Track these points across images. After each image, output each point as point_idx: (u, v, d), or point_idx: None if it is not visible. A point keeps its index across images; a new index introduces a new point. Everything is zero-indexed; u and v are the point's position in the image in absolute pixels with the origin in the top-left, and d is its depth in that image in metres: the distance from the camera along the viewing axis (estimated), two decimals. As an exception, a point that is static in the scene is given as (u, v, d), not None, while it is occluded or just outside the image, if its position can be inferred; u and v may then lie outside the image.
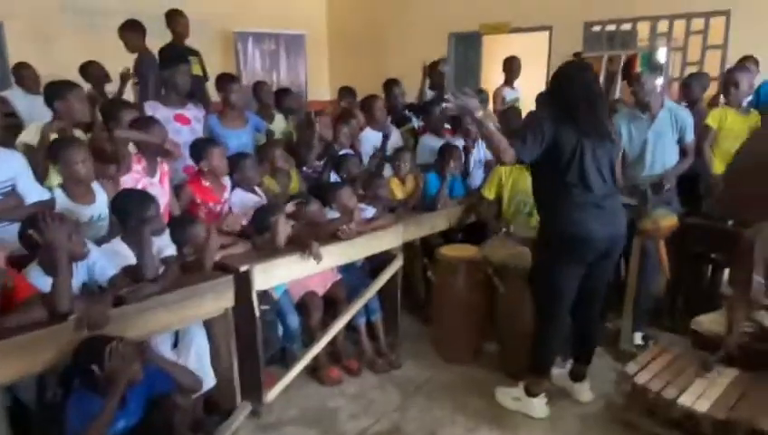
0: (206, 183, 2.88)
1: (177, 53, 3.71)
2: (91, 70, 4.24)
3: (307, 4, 7.83)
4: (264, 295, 2.65)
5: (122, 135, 2.61)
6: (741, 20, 4.83)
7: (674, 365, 2.55)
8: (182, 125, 3.25)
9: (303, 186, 3.48)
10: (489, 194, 3.51)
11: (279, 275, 2.58)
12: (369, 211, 3.23)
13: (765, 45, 4.41)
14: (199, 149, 2.90)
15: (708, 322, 2.71)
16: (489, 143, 2.32)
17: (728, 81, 3.52)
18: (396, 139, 3.97)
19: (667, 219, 2.93)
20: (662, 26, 5.28)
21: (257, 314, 2.49)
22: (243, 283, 2.41)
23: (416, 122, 4.24)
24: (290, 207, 2.75)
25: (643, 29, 5.39)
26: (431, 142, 3.87)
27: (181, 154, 2.89)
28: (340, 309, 3.00)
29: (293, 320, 2.85)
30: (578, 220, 2.33)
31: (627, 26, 5.46)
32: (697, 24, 5.09)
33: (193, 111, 3.34)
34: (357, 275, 3.21)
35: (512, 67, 5.26)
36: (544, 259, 2.46)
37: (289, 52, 7.17)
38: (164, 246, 2.29)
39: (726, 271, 3.78)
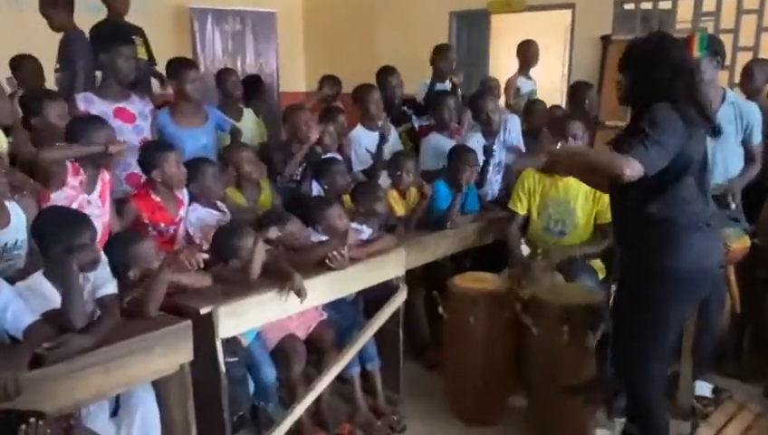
0: (157, 198, 2.66)
1: (116, 31, 3.51)
2: (27, 65, 3.97)
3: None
4: (230, 342, 2.42)
5: (51, 157, 2.40)
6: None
7: (756, 428, 2.39)
8: (124, 123, 3.05)
9: (277, 199, 3.29)
10: (520, 208, 3.36)
11: (251, 318, 2.37)
12: (365, 232, 3.03)
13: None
14: (150, 154, 2.68)
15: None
16: (591, 166, 2.18)
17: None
18: (394, 140, 3.79)
19: (738, 241, 2.79)
20: (708, 4, 5.19)
21: (222, 368, 2.27)
22: (204, 330, 2.19)
23: (416, 121, 4.06)
24: (273, 233, 2.53)
25: (685, 7, 5.30)
26: (440, 143, 3.70)
27: (127, 147, 2.68)
28: (328, 357, 2.80)
29: (269, 373, 2.65)
30: (705, 249, 2.15)
31: (665, 4, 5.37)
32: (750, 1, 5.00)
33: (138, 106, 3.15)
34: (347, 312, 3.02)
35: (528, 53, 5.17)
36: (651, 301, 2.20)
37: (257, 33, 6.99)
38: (101, 281, 2.06)
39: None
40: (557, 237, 3.30)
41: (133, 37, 3.65)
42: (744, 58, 4.62)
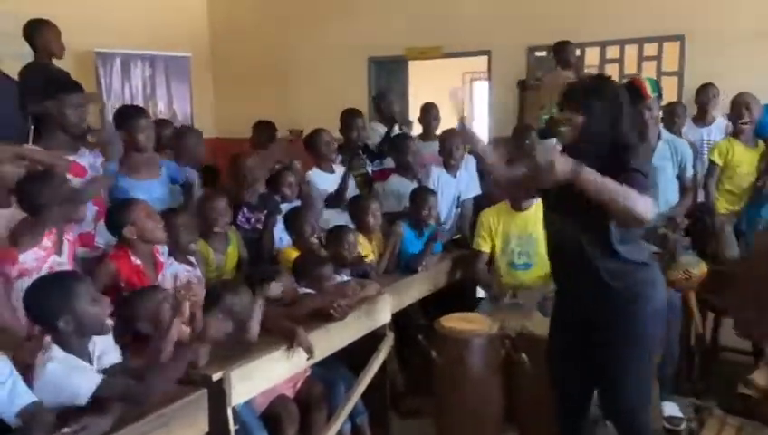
0: (137, 260, 2.42)
1: (54, 76, 3.23)
2: None
3: (188, 21, 7.45)
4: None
5: None
6: (697, 45, 5.38)
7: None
8: (75, 177, 2.75)
9: (244, 250, 3.14)
10: (485, 246, 3.43)
11: (261, 380, 2.23)
12: (344, 280, 2.95)
13: (725, 72, 4.90)
14: (117, 211, 2.47)
15: (762, 380, 2.75)
16: (615, 204, 1.89)
17: (738, 104, 3.77)
18: (352, 185, 3.78)
19: (699, 267, 3.01)
20: (612, 52, 5.73)
21: (233, 439, 2.10)
22: (215, 397, 2.01)
23: (370, 167, 4.07)
24: (275, 290, 2.39)
25: (592, 54, 5.81)
26: (400, 186, 3.72)
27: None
28: (317, 415, 2.67)
29: (262, 439, 2.47)
30: (663, 281, 2.27)
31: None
32: (650, 49, 5.58)
33: (88, 158, 2.90)
34: (331, 364, 2.89)
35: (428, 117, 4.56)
36: (645, 337, 2.23)
37: (169, 78, 6.71)
38: (104, 349, 1.84)
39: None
40: (523, 270, 3.41)
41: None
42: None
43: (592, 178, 1.88)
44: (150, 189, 3.06)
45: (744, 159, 3.68)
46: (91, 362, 1.80)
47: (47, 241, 2.21)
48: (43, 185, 2.24)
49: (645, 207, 1.87)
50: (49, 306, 1.75)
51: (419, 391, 3.35)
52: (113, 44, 6.29)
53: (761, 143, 3.75)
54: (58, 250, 2.27)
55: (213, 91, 7.80)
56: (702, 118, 4.75)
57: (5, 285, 2.14)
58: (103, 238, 2.75)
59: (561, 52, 5.30)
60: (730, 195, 3.75)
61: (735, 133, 3.84)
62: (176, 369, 1.89)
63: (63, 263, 2.26)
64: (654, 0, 5.47)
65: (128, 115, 3.13)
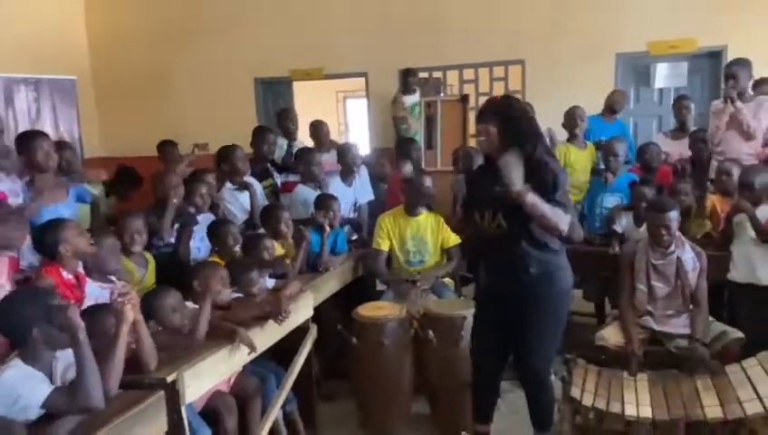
0: (69, 275, 2.28)
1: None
2: None
3: (69, 42, 6.88)
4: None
5: None
6: (534, 68, 5.96)
7: (601, 380, 2.90)
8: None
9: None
10: (384, 246, 3.58)
11: (209, 377, 2.20)
12: (269, 281, 2.97)
13: (556, 88, 5.51)
14: (48, 232, 2.31)
15: (610, 335, 3.16)
16: (546, 222, 2.26)
17: (572, 116, 4.27)
18: (261, 195, 3.77)
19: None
20: (468, 74, 6.18)
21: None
22: (170, 398, 1.97)
23: (278, 178, 4.08)
24: (226, 296, 2.36)
25: (452, 75, 6.23)
26: (307, 194, 3.77)
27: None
28: (253, 406, 2.66)
29: (205, 434, 2.42)
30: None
31: (438, 73, 6.24)
32: (498, 71, 6.10)
33: (6, 183, 2.72)
34: (260, 360, 2.87)
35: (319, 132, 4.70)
36: (561, 311, 2.51)
37: (55, 101, 6.17)
38: (67, 365, 1.75)
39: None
40: (417, 266, 3.61)
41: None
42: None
43: (532, 201, 2.20)
44: (58, 211, 2.86)
45: (578, 159, 4.18)
46: (52, 379, 1.70)
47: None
48: None
49: (565, 224, 2.25)
50: (22, 318, 1.65)
51: (335, 376, 3.46)
52: (-7, 67, 5.68)
53: (589, 144, 4.27)
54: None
55: (97, 112, 7.26)
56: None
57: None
58: (27, 261, 2.56)
59: (404, 77, 5.84)
60: (573, 187, 4.14)
61: (569, 139, 4.32)
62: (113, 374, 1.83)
63: (3, 285, 2.09)
64: (500, 31, 5.96)
65: (26, 139, 2.95)
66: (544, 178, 2.27)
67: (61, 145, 3.65)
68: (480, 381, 2.65)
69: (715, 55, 5.57)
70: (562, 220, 2.25)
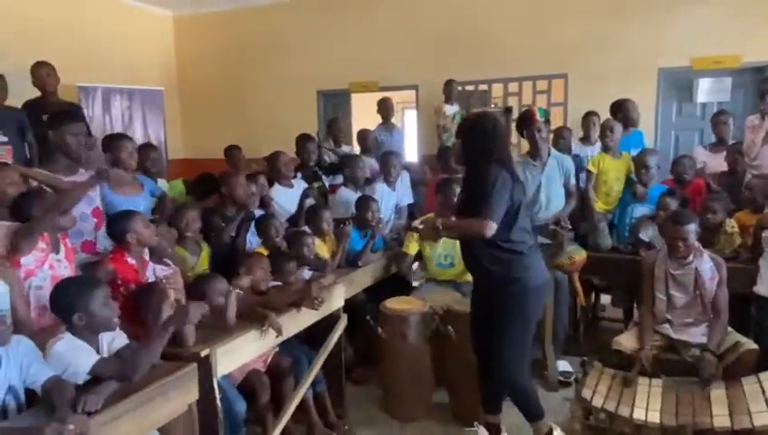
0: (132, 260, 2.47)
1: (60, 107, 3.19)
2: None
3: (159, 58, 7.37)
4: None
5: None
6: (577, 81, 5.79)
7: (615, 383, 2.82)
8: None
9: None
10: (411, 249, 3.63)
11: (239, 355, 2.31)
12: (307, 273, 3.07)
13: (599, 101, 5.31)
14: (119, 222, 2.50)
15: (627, 341, 3.05)
16: (463, 233, 2.45)
17: (604, 127, 4.13)
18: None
19: (580, 254, 3.29)
20: (512, 87, 6.09)
21: (219, 405, 2.18)
22: (203, 370, 2.10)
23: (326, 181, 4.20)
24: (245, 281, 2.50)
25: (497, 88, 6.16)
26: (349, 196, 3.86)
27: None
28: (286, 384, 2.77)
29: (241, 407, 2.54)
30: (542, 266, 2.49)
31: (483, 86, 6.19)
32: (541, 84, 5.97)
33: (84, 177, 2.87)
34: (293, 343, 2.99)
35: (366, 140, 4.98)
36: (519, 308, 2.42)
37: (145, 109, 6.61)
38: (114, 336, 1.91)
39: (607, 296, 4.42)
40: (448, 269, 3.61)
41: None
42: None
43: (446, 233, 2.50)
44: (136, 203, 3.08)
45: (611, 167, 4.02)
46: (99, 350, 1.86)
47: (42, 244, 2.23)
48: (31, 199, 2.30)
49: (480, 229, 2.29)
50: (67, 303, 1.80)
51: (366, 362, 3.52)
52: (94, 79, 6.15)
53: (625, 154, 4.11)
54: (55, 249, 2.30)
55: (181, 119, 7.72)
56: (587, 139, 5.05)
57: (19, 284, 2.15)
58: (102, 245, 2.78)
59: (446, 88, 5.79)
60: (606, 196, 4.03)
61: (605, 148, 4.18)
62: (155, 351, 1.92)
63: (61, 259, 2.29)
64: (544, 45, 5.84)
65: (113, 139, 3.18)
66: (478, 187, 2.35)
67: (148, 147, 3.91)
68: (481, 378, 2.64)
69: (759, 70, 5.22)
70: (482, 228, 2.28)
